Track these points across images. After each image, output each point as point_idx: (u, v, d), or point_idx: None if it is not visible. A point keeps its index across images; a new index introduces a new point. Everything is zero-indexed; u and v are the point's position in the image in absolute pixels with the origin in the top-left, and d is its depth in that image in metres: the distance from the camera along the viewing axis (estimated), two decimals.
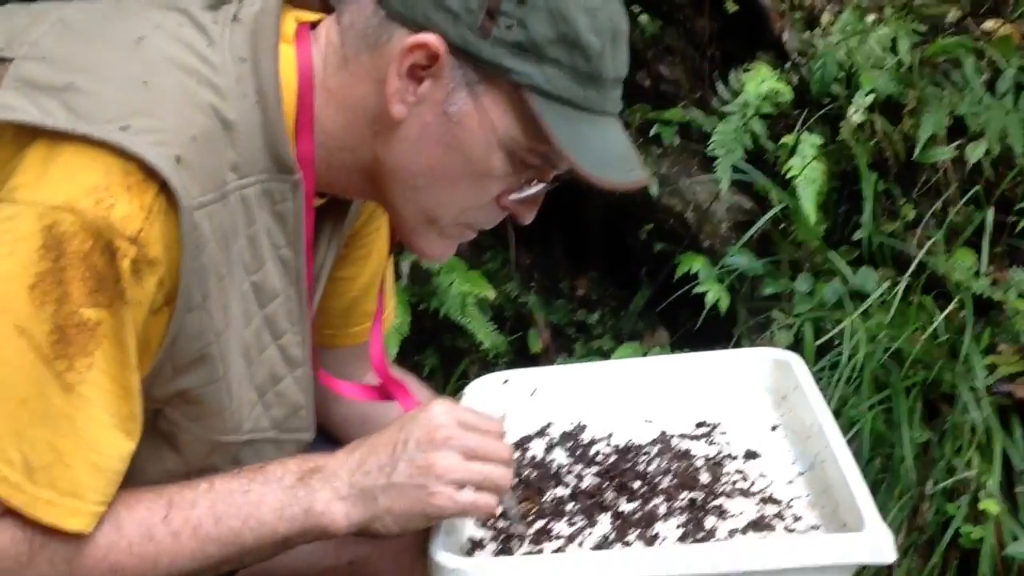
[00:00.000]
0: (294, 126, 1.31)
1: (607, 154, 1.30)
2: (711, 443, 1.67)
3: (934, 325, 2.49)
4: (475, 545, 1.47)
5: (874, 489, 2.33)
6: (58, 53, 1.25)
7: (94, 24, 1.29)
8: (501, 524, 1.50)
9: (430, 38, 1.24)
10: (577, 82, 1.26)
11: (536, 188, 1.35)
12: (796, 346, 2.56)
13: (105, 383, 1.19)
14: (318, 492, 1.30)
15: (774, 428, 1.68)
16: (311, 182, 1.34)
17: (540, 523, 1.50)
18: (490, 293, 2.93)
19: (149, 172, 1.17)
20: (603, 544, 1.44)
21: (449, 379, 2.96)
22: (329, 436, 1.65)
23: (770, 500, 1.50)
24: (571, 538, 1.46)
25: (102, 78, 1.21)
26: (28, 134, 1.19)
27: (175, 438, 1.32)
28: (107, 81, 1.21)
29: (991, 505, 2.26)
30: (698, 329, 2.75)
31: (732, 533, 1.43)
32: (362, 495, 1.30)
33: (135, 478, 1.27)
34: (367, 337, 1.66)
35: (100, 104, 1.19)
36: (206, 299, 1.24)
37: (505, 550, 1.45)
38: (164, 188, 1.17)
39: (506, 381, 1.83)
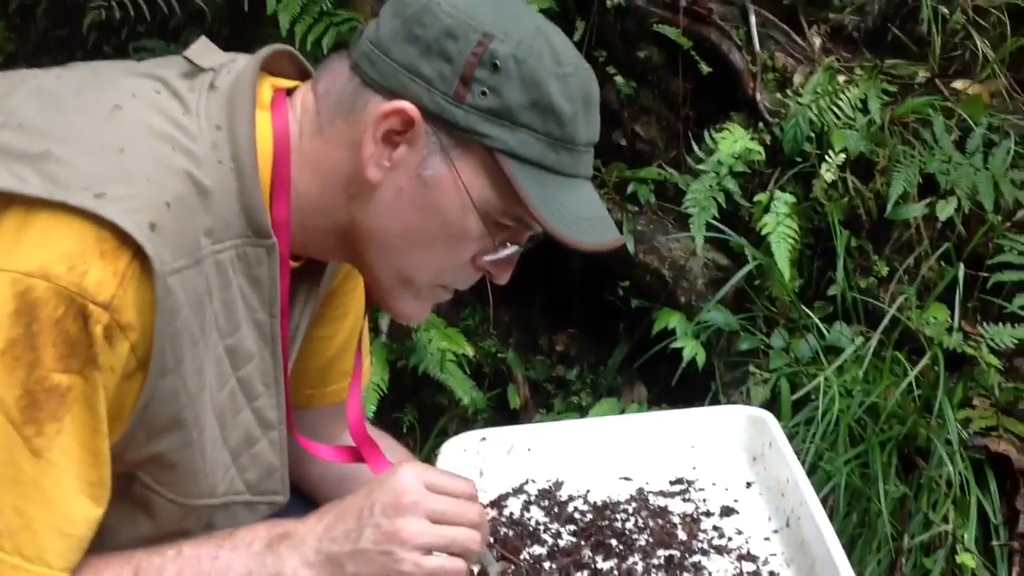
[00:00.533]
0: (269, 191, 1.33)
1: (580, 216, 1.32)
2: (687, 500, 1.68)
3: (908, 380, 2.52)
4: None
5: (851, 543, 2.36)
6: (35, 121, 1.26)
7: (71, 92, 1.30)
8: None
9: (405, 104, 1.27)
10: (550, 147, 1.29)
11: (511, 250, 1.37)
12: (772, 401, 2.58)
13: (74, 449, 1.19)
14: (286, 559, 1.29)
15: (749, 485, 1.70)
16: (286, 245, 1.35)
17: None
18: (469, 350, 2.93)
19: (123, 238, 1.17)
20: None
21: (428, 435, 2.96)
22: (305, 496, 1.65)
23: (747, 557, 1.51)
24: None
25: (78, 146, 1.23)
26: (4, 201, 1.20)
27: (149, 503, 1.32)
28: (83, 149, 1.22)
29: (968, 559, 2.28)
30: (675, 384, 2.77)
31: None
32: (329, 561, 1.29)
33: (108, 543, 1.27)
34: (344, 396, 1.64)
35: (75, 172, 1.20)
36: (180, 364, 1.24)
37: None
38: (138, 254, 1.18)
39: (483, 439, 1.84)
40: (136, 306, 1.19)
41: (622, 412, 2.83)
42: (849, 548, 2.33)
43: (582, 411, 3.00)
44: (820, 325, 2.72)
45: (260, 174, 1.31)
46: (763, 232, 2.81)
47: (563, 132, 1.29)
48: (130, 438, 1.25)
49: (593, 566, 1.53)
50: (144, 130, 1.25)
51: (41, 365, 1.16)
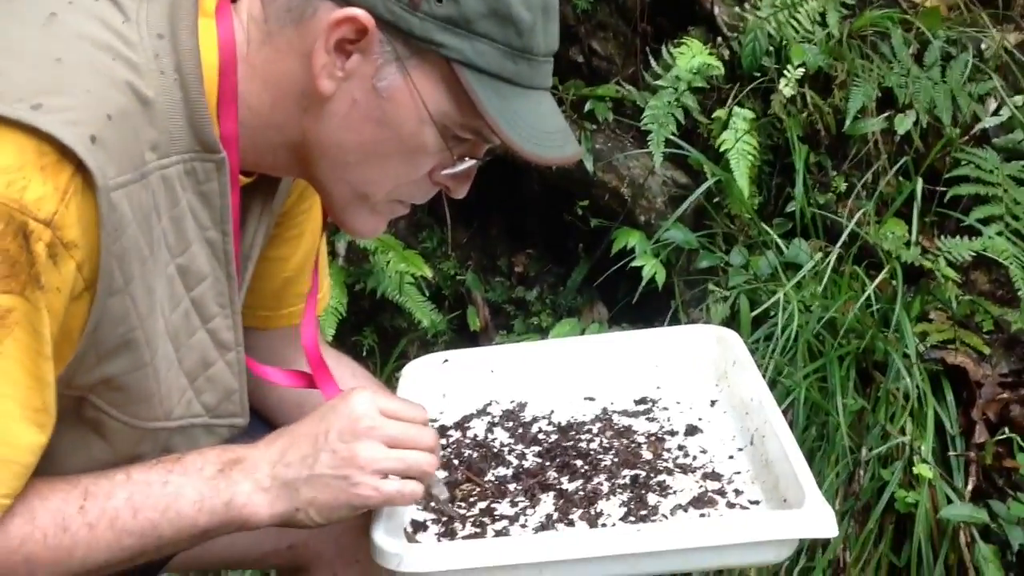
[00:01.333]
0: (216, 104, 1.28)
1: (540, 129, 1.29)
2: (652, 419, 1.68)
3: (866, 294, 2.53)
4: (417, 527, 1.47)
5: (810, 457, 2.38)
6: None
7: (6, 2, 1.24)
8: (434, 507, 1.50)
9: (358, 12, 1.21)
10: (509, 57, 1.25)
11: (469, 164, 1.34)
12: (732, 318, 2.59)
13: (16, 373, 1.15)
14: (239, 484, 1.28)
15: (713, 403, 1.70)
16: (235, 161, 1.30)
17: (482, 504, 1.51)
18: (427, 272, 2.92)
19: (63, 152, 1.12)
20: (546, 524, 1.45)
21: (388, 359, 2.95)
22: (264, 420, 1.62)
23: (711, 476, 1.52)
24: (513, 519, 1.47)
25: (11, 56, 1.17)
26: None
27: (102, 426, 1.28)
28: (17, 59, 1.17)
29: (925, 470, 2.31)
30: (635, 303, 2.77)
31: (675, 510, 1.45)
32: (284, 487, 1.29)
33: (61, 467, 1.24)
34: (300, 319, 1.60)
35: (10, 83, 1.14)
36: (129, 283, 1.20)
37: (447, 532, 1.45)
38: (80, 168, 1.13)
39: (446, 360, 1.83)
40: (80, 223, 1.14)
41: (582, 332, 2.83)
42: (808, 461, 2.34)
43: (542, 332, 3.00)
44: (779, 241, 2.72)
45: (206, 85, 1.25)
46: (722, 149, 2.80)
47: (522, 42, 1.25)
48: (80, 361, 1.21)
49: (558, 487, 1.53)
50: (82, 39, 1.19)
51: None
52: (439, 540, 1.44)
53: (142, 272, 1.21)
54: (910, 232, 2.69)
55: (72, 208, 1.13)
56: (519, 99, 1.27)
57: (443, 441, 1.67)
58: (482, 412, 1.76)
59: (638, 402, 1.74)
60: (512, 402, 1.78)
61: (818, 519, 1.30)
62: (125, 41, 1.21)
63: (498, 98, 1.25)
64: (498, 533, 1.44)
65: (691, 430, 1.63)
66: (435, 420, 1.74)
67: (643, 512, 1.45)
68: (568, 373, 1.81)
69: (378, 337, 3.02)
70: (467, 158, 1.33)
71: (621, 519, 1.44)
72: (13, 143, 1.12)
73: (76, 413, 1.25)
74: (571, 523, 1.44)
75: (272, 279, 1.59)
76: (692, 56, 2.91)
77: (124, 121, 1.17)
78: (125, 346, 1.23)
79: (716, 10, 3.00)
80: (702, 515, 1.43)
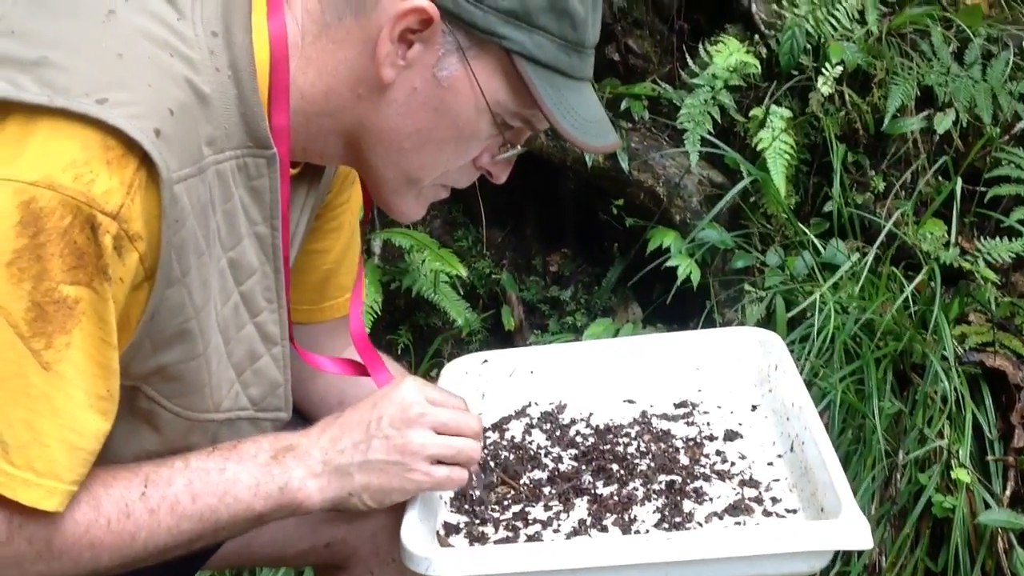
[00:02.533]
0: (268, 98, 1.31)
1: (587, 119, 1.35)
2: (691, 423, 1.67)
3: (904, 296, 2.51)
4: (450, 530, 1.47)
5: (846, 460, 2.37)
6: (27, 27, 1.22)
7: None
8: (476, 508, 1.50)
9: (424, 3, 1.26)
10: (563, 49, 1.30)
11: (514, 150, 1.40)
12: (768, 319, 2.57)
13: (83, 362, 1.18)
14: (293, 470, 1.33)
15: (755, 408, 1.69)
16: (286, 154, 1.34)
17: (516, 507, 1.50)
18: (462, 271, 2.92)
19: (129, 145, 1.15)
20: (579, 529, 1.44)
21: (423, 357, 2.95)
22: (305, 418, 1.63)
23: (749, 483, 1.51)
24: (546, 523, 1.46)
25: (75, 52, 1.19)
26: (1, 110, 1.17)
27: (154, 416, 1.31)
28: (81, 55, 1.19)
29: (963, 474, 2.29)
30: (670, 303, 2.76)
31: (710, 517, 1.44)
32: (337, 472, 1.34)
33: (113, 457, 1.26)
34: (342, 312, 1.66)
35: (75, 78, 1.17)
36: (186, 274, 1.23)
37: (479, 536, 1.45)
38: (144, 162, 1.16)
39: (485, 361, 1.83)
40: (144, 215, 1.17)
41: (616, 332, 2.82)
42: (844, 464, 2.34)
43: (577, 332, 2.99)
44: (816, 242, 2.70)
45: (258, 81, 1.29)
46: (759, 148, 2.78)
47: (576, 35, 1.31)
48: (136, 349, 1.24)
49: (593, 491, 1.52)
50: (140, 35, 1.22)
51: (48, 277, 1.14)
52: (471, 544, 1.44)
53: (198, 264, 1.25)
54: (949, 233, 2.67)
55: (137, 201, 1.16)
56: (570, 89, 1.33)
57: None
58: (521, 413, 1.76)
59: (678, 405, 1.73)
60: (551, 404, 1.77)
61: (853, 530, 1.29)
62: (181, 38, 1.24)
63: (552, 89, 1.31)
64: (530, 538, 1.44)
65: (730, 435, 1.62)
66: None
67: (677, 519, 1.44)
68: (608, 375, 1.80)
69: (413, 336, 3.02)
70: (510, 145, 1.39)
71: (655, 526, 1.43)
72: (79, 137, 1.14)
73: (129, 403, 1.27)
74: (604, 529, 1.44)
75: (313, 272, 1.63)
76: (729, 54, 2.90)
77: (184, 116, 1.20)
78: (180, 336, 1.26)
79: (753, 7, 2.98)
80: (737, 523, 1.42)
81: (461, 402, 1.42)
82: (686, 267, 2.73)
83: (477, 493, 1.52)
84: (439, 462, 1.36)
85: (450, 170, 1.40)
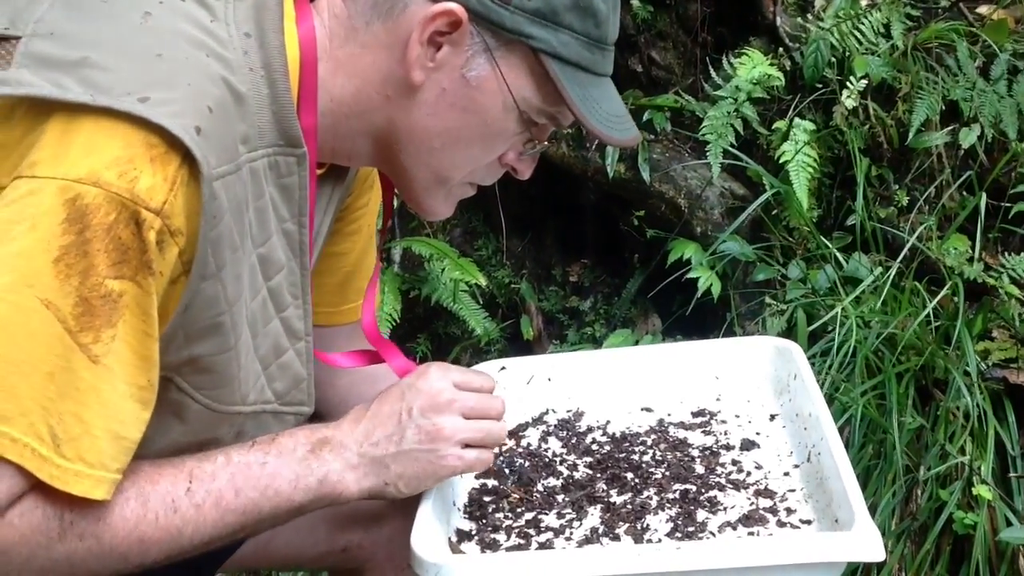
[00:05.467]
0: (296, 99, 1.34)
1: (611, 113, 1.39)
2: (708, 433, 1.66)
3: (927, 311, 2.48)
4: (461, 537, 1.46)
5: (866, 476, 2.34)
6: (66, 29, 1.25)
7: (97, 1, 1.29)
8: (488, 515, 1.50)
9: (453, 6, 1.29)
10: (586, 46, 1.34)
11: (540, 147, 1.43)
12: (788, 332, 2.55)
13: (126, 354, 1.20)
14: (330, 463, 1.37)
15: (773, 418, 1.68)
16: (313, 154, 1.37)
17: (529, 515, 1.50)
18: (482, 280, 2.92)
19: (172, 143, 1.18)
20: (591, 538, 1.43)
21: None
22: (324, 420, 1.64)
23: (764, 493, 1.49)
24: (558, 531, 1.45)
25: (116, 52, 1.22)
26: (44, 110, 1.19)
27: (183, 408, 1.33)
28: (121, 55, 1.22)
29: (984, 491, 2.26)
30: (690, 315, 2.74)
31: (723, 527, 1.43)
32: (373, 464, 1.38)
33: (142, 448, 1.28)
34: (360, 315, 1.67)
35: (117, 77, 1.19)
36: (221, 269, 1.26)
37: (491, 543, 1.44)
38: (186, 159, 1.19)
39: (503, 368, 1.82)
40: (185, 211, 1.20)
41: (636, 343, 2.81)
42: (864, 480, 2.32)
43: (596, 342, 2.98)
44: (838, 255, 2.68)
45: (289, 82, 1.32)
46: (781, 160, 2.77)
47: (599, 32, 1.35)
48: (169, 340, 1.26)
49: (607, 499, 1.51)
50: (177, 35, 1.25)
51: (95, 272, 1.16)
52: (483, 551, 1.43)
53: (232, 260, 1.27)
54: (973, 248, 2.64)
55: (179, 197, 1.19)
56: (593, 85, 1.37)
57: (496, 450, 1.66)
58: (538, 421, 1.75)
59: (696, 414, 1.72)
60: (569, 411, 1.77)
61: (865, 542, 1.27)
62: (216, 38, 1.27)
63: (577, 85, 1.35)
64: (542, 546, 1.43)
65: (747, 445, 1.61)
66: None
67: (690, 529, 1.43)
68: (627, 383, 1.79)
69: (432, 344, 3.02)
70: (535, 142, 1.43)
71: (667, 535, 1.42)
72: (122, 135, 1.17)
73: (161, 394, 1.29)
74: (616, 537, 1.42)
75: (334, 274, 1.65)
76: (753, 66, 2.89)
77: (222, 114, 1.23)
78: (213, 329, 1.29)
79: (778, 21, 2.97)
80: (751, 533, 1.41)
81: (488, 380, 1.47)
82: (707, 279, 2.72)
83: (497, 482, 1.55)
84: (467, 445, 1.40)
85: (478, 168, 1.44)
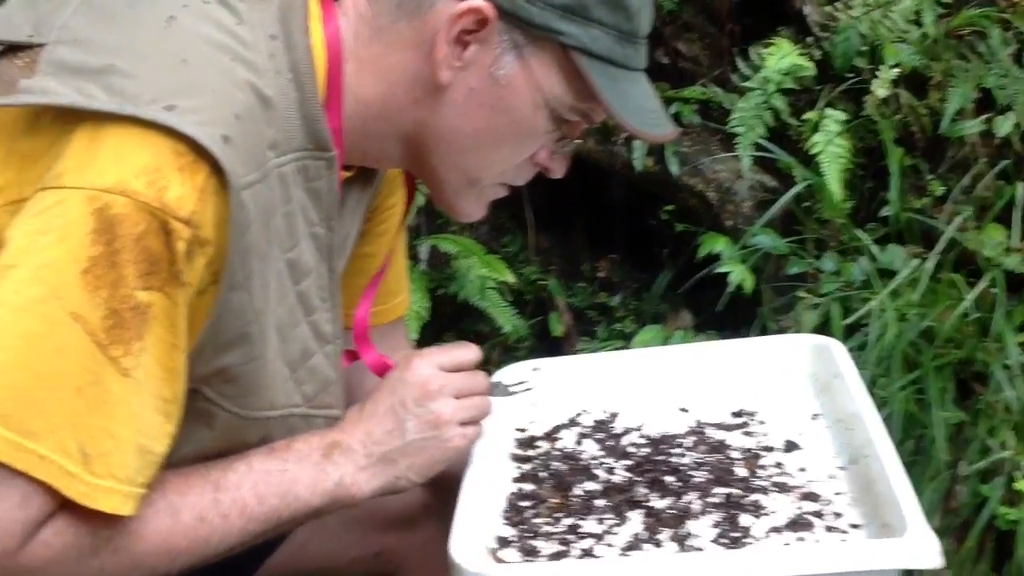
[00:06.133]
0: (323, 101, 1.32)
1: (645, 108, 1.37)
2: (748, 434, 1.63)
3: (965, 303, 2.44)
4: (500, 544, 1.43)
5: (907, 471, 2.29)
6: (90, 36, 1.23)
7: (120, 5, 1.27)
8: (527, 521, 1.47)
9: (480, 3, 1.27)
10: (618, 41, 1.32)
11: (572, 145, 1.43)
12: (823, 327, 2.52)
13: (155, 367, 1.18)
14: (343, 466, 1.39)
15: (815, 418, 1.64)
16: (341, 156, 1.35)
17: (568, 521, 1.46)
18: (509, 277, 2.90)
19: (199, 152, 1.16)
20: (633, 544, 1.39)
21: None
22: None
23: (810, 496, 1.45)
24: (600, 537, 1.42)
25: (141, 59, 1.20)
26: (70, 119, 1.18)
27: (211, 416, 1.32)
28: (146, 61, 1.20)
29: None
30: (721, 310, 2.71)
31: (769, 532, 1.39)
32: (381, 462, 1.40)
33: (172, 458, 1.27)
34: (390, 316, 1.71)
35: (143, 85, 1.18)
36: (249, 278, 1.24)
37: (531, 550, 1.41)
38: (214, 168, 1.17)
39: (536, 368, 1.79)
40: (214, 221, 1.18)
41: (667, 339, 2.78)
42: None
43: (626, 338, 2.95)
44: (872, 247, 2.64)
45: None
46: (812, 152, 2.72)
47: (630, 26, 1.33)
48: (198, 351, 1.25)
49: (647, 504, 1.48)
50: (202, 41, 1.23)
51: (124, 283, 1.14)
52: (524, 559, 1.40)
53: (261, 268, 1.25)
54: (1010, 238, 2.59)
55: (208, 207, 1.17)
56: (626, 81, 1.35)
57: (531, 452, 1.65)
58: (572, 423, 1.72)
59: (734, 415, 1.68)
60: (603, 413, 1.73)
61: (922, 548, 1.23)
62: (241, 42, 1.25)
63: (610, 81, 1.32)
64: (584, 553, 1.39)
65: (790, 446, 1.57)
66: (524, 430, 1.71)
67: (735, 534, 1.39)
68: (662, 383, 1.76)
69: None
70: (566, 139, 1.41)
71: (712, 541, 1.38)
72: (150, 144, 1.15)
73: (188, 405, 1.28)
74: (659, 544, 1.39)
75: (362, 276, 1.63)
76: (781, 57, 2.85)
77: (249, 121, 1.21)
78: (241, 339, 1.27)
79: (806, 10, 2.93)
80: (799, 539, 1.37)
81: (467, 351, 1.50)
82: (738, 273, 2.68)
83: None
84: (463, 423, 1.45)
85: (509, 168, 1.42)
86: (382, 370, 1.54)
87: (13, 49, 1.27)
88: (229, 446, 1.35)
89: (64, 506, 1.17)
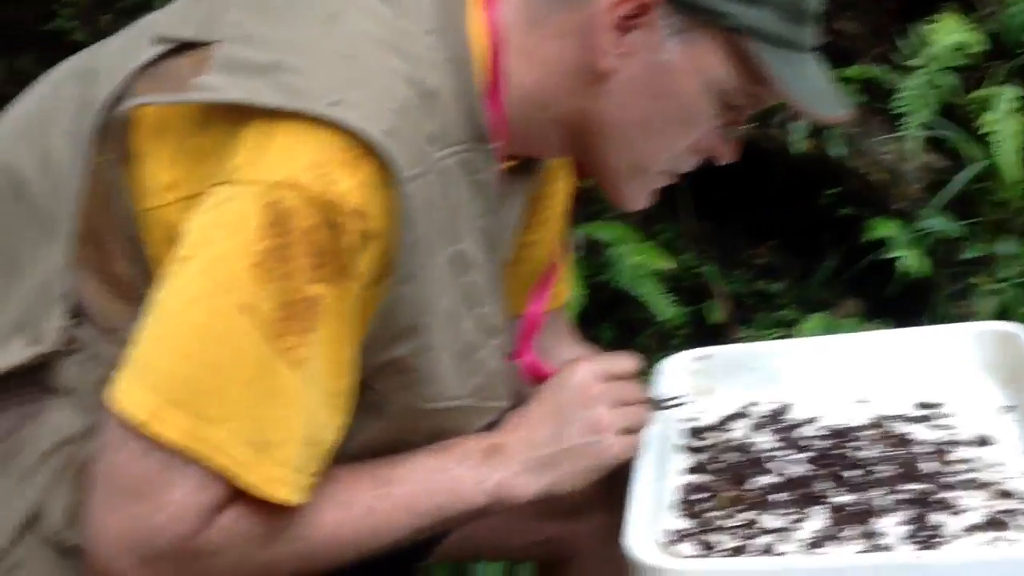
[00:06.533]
0: (484, 92, 1.32)
1: (816, 89, 1.34)
2: (935, 427, 1.55)
3: None
4: (675, 537, 1.40)
5: None
6: (259, 33, 1.26)
7: (285, 3, 1.30)
8: (702, 514, 1.44)
9: None
10: (786, 20, 1.28)
11: (739, 129, 1.40)
12: (1002, 314, 2.42)
13: (325, 359, 1.20)
14: (504, 469, 1.37)
15: (1007, 410, 1.56)
16: (503, 147, 1.35)
17: (745, 515, 1.42)
18: (666, 264, 2.87)
19: (364, 146, 1.17)
20: (817, 541, 1.34)
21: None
22: None
23: (1006, 494, 1.38)
24: (780, 533, 1.37)
25: (307, 55, 1.23)
26: (239, 116, 1.20)
27: (379, 408, 1.33)
28: (312, 58, 1.22)
29: None
30: (891, 296, 2.63)
31: (962, 532, 1.32)
32: (540, 466, 1.38)
33: (341, 451, 1.29)
34: (554, 304, 1.69)
35: (310, 80, 1.20)
36: (417, 271, 1.25)
37: (707, 545, 1.37)
38: (380, 162, 1.18)
39: (704, 357, 1.75)
40: (381, 214, 1.19)
41: (835, 328, 2.70)
42: None
43: (788, 327, 2.89)
44: None
45: (476, 75, 1.30)
46: (984, 131, 2.63)
47: (800, 5, 1.29)
48: (368, 345, 1.26)
49: (828, 500, 1.42)
50: (365, 36, 1.24)
51: (294, 276, 1.16)
52: (701, 553, 1.36)
53: (427, 261, 1.26)
54: None
55: (376, 200, 1.18)
56: (797, 62, 1.31)
57: (701, 443, 1.62)
58: (743, 413, 1.67)
59: (918, 407, 1.61)
60: (775, 404, 1.68)
61: None
62: (401, 35, 1.25)
63: (780, 62, 1.29)
64: (763, 550, 1.34)
65: (981, 440, 1.50)
66: (694, 420, 1.67)
67: (926, 533, 1.32)
68: (837, 373, 1.69)
69: (617, 331, 2.97)
70: (736, 124, 1.38)
71: (901, 540, 1.32)
72: (317, 139, 1.17)
73: (359, 397, 1.29)
74: (844, 541, 1.33)
75: (525, 264, 1.62)
76: (948, 33, 2.76)
77: (410, 114, 1.22)
78: (410, 331, 1.27)
79: None
80: (995, 539, 1.29)
81: (626, 362, 1.48)
82: (912, 258, 2.60)
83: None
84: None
85: (674, 155, 1.39)
86: (536, 375, 1.54)
87: (182, 48, 1.30)
88: (398, 438, 1.36)
89: (238, 494, 1.19)
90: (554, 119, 1.37)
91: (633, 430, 1.44)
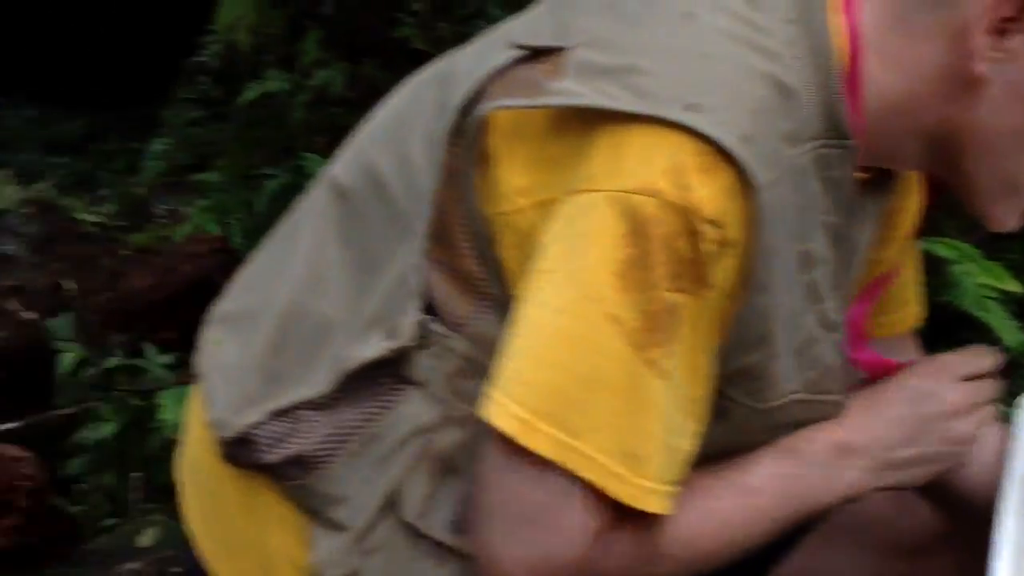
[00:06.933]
0: (843, 91, 1.27)
1: None
2: None
3: None
4: None
5: None
6: (612, 37, 1.26)
7: (639, 5, 1.29)
8: None
9: None
10: None
11: None
12: None
13: (684, 368, 1.19)
14: (854, 470, 1.36)
15: None
16: (859, 151, 1.29)
17: None
18: (1013, 286, 2.69)
19: (720, 152, 1.15)
20: None
21: None
22: None
23: None
24: None
25: (660, 56, 1.21)
26: (593, 121, 1.20)
27: (726, 412, 1.31)
28: (667, 60, 1.21)
29: None
30: None
31: None
32: (891, 467, 1.37)
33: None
34: (899, 328, 1.64)
35: (662, 83, 1.18)
36: (770, 278, 1.22)
37: None
38: (736, 169, 1.16)
39: None
40: (739, 222, 1.17)
41: None
42: None
43: None
44: None
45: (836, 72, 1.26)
46: None
47: None
48: (721, 353, 1.25)
49: None
50: (720, 34, 1.22)
51: (655, 285, 1.15)
52: None
53: (780, 268, 1.23)
54: None
55: (733, 208, 1.16)
56: None
57: None
58: None
59: None
60: None
61: None
62: (758, 29, 1.22)
63: None
64: None
65: None
66: None
67: None
68: None
69: None
70: None
71: None
72: (672, 144, 1.15)
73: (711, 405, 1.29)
74: None
75: (866, 279, 1.55)
76: None
77: (766, 116, 1.19)
78: (762, 339, 1.26)
79: None
80: None
81: (986, 360, 1.46)
82: None
83: None
84: None
85: None
86: (882, 370, 1.47)
87: (537, 54, 1.31)
88: (737, 438, 1.34)
89: (615, 510, 1.20)
90: (915, 128, 1.30)
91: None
